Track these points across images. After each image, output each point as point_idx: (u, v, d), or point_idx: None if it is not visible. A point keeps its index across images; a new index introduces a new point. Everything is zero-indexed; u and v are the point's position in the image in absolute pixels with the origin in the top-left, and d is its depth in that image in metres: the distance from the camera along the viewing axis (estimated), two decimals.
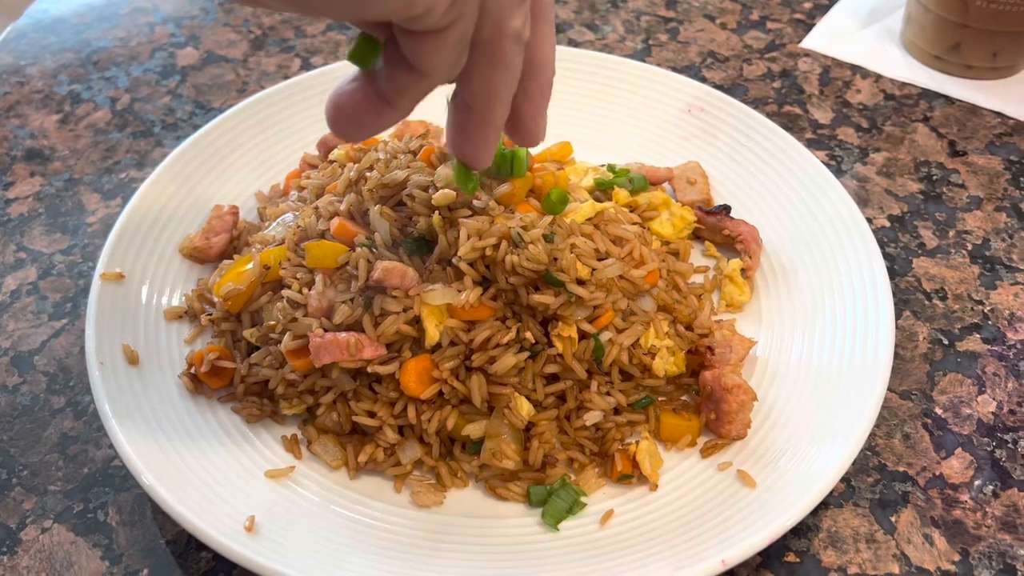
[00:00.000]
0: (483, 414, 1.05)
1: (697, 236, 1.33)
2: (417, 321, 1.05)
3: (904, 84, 1.67)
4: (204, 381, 1.11)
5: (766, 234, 1.29)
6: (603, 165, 1.36)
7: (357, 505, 1.02)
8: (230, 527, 0.95)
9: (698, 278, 1.27)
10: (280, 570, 0.89)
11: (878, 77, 1.69)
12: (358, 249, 1.09)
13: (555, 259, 1.05)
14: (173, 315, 1.19)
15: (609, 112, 1.48)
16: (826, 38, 1.78)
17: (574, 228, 1.12)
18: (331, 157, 1.28)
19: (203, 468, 1.02)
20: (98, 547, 1.04)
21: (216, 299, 1.17)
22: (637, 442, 1.05)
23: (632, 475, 1.04)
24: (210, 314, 1.17)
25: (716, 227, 1.30)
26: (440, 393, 1.05)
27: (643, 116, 1.47)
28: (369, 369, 1.04)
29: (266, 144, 1.41)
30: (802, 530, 1.05)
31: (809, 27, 1.82)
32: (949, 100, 1.64)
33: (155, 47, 1.77)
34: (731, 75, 1.70)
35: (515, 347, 1.04)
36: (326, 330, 1.05)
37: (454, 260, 1.06)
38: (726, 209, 1.31)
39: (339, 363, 1.04)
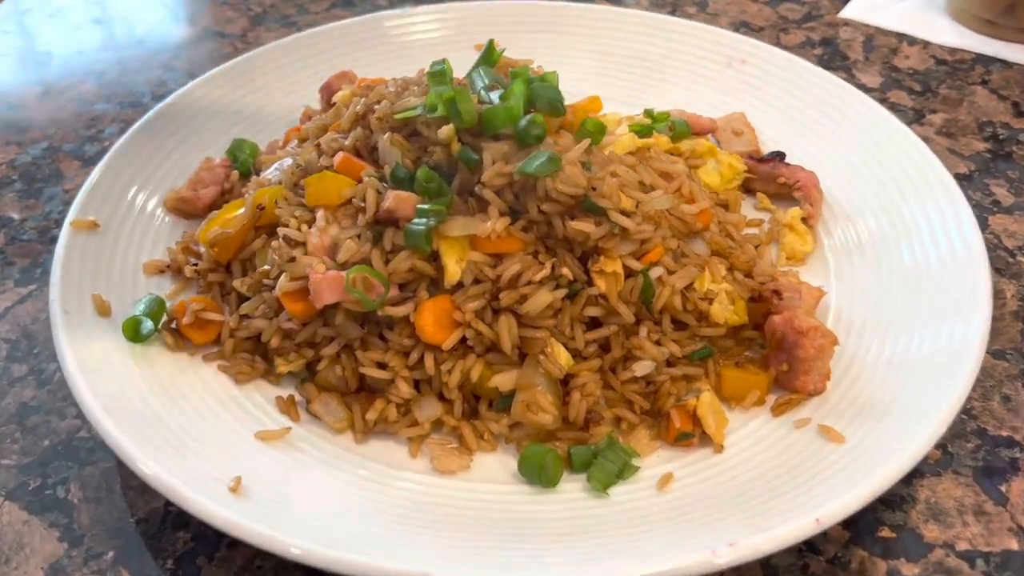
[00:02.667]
0: (514, 363, 0.89)
1: (747, 189, 1.18)
2: (435, 258, 0.90)
3: (956, 50, 1.54)
4: (187, 335, 0.96)
5: (825, 184, 1.15)
6: (637, 115, 1.22)
7: (365, 470, 0.86)
8: (211, 488, 0.78)
9: (752, 232, 1.12)
10: (268, 533, 0.72)
11: (926, 44, 1.57)
12: (366, 179, 0.94)
13: (594, 187, 0.90)
14: (154, 269, 1.04)
15: (641, 69, 1.36)
16: (867, 8, 1.66)
17: (614, 158, 0.97)
18: (334, 99, 1.14)
19: (182, 429, 0.87)
20: (55, 527, 0.88)
21: (203, 249, 1.02)
22: (697, 396, 0.89)
23: (692, 434, 0.88)
24: (195, 264, 1.02)
25: (770, 175, 1.15)
26: (463, 340, 0.90)
27: (678, 71, 1.34)
28: (380, 312, 0.88)
29: (263, 101, 1.28)
30: (895, 502, 0.88)
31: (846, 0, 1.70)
32: (1007, 64, 1.51)
33: (149, 26, 1.65)
34: (768, 43, 1.57)
35: (550, 284, 0.89)
36: (329, 269, 0.90)
37: (477, 189, 0.91)
38: (780, 155, 1.17)
39: (343, 304, 0.88)
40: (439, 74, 0.99)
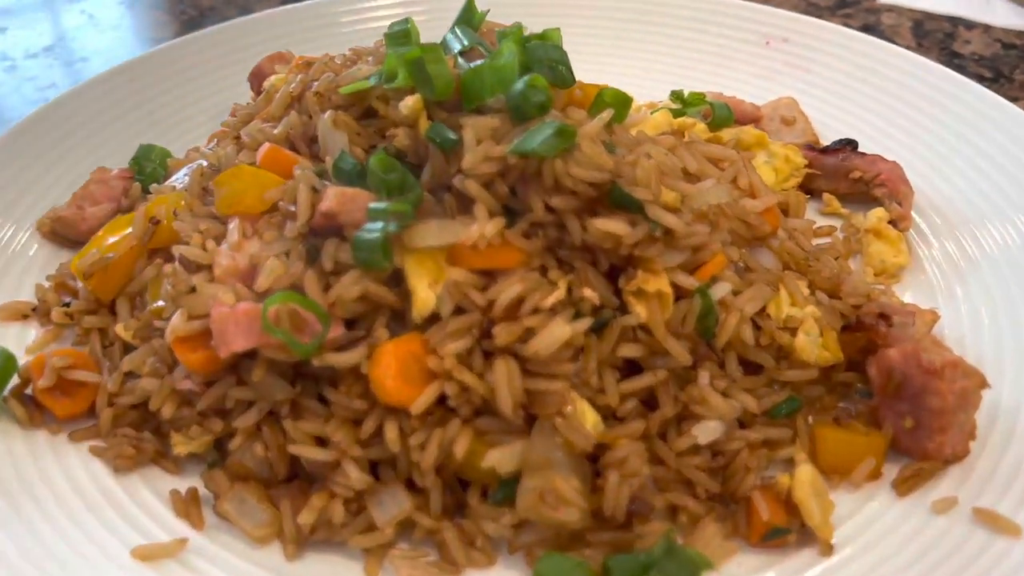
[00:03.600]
0: (517, 431, 0.63)
1: (807, 190, 0.93)
2: (398, 280, 0.63)
3: (1023, 32, 1.32)
4: (46, 405, 0.71)
5: (912, 179, 0.92)
6: (662, 101, 0.97)
7: None
8: None
9: (823, 242, 0.87)
10: None
11: (987, 27, 1.35)
12: (297, 174, 0.67)
13: (622, 175, 0.64)
14: (13, 314, 0.80)
15: (663, 51, 1.14)
16: None
17: (644, 139, 0.71)
18: (265, 86, 0.88)
19: (30, 544, 0.62)
20: None
21: (80, 285, 0.74)
22: (789, 473, 0.61)
23: (788, 530, 0.61)
24: (66, 304, 0.74)
25: (839, 170, 0.92)
26: (441, 399, 0.64)
27: (708, 53, 1.13)
28: (317, 362, 0.60)
29: (184, 100, 1.05)
30: None
31: None
32: None
33: (61, 32, 1.40)
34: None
35: (566, 313, 0.62)
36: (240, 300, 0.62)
37: (456, 181, 0.64)
38: (851, 144, 0.93)
39: (263, 353, 0.60)
40: (401, 35, 0.73)
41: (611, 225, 0.64)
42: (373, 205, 0.64)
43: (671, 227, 0.65)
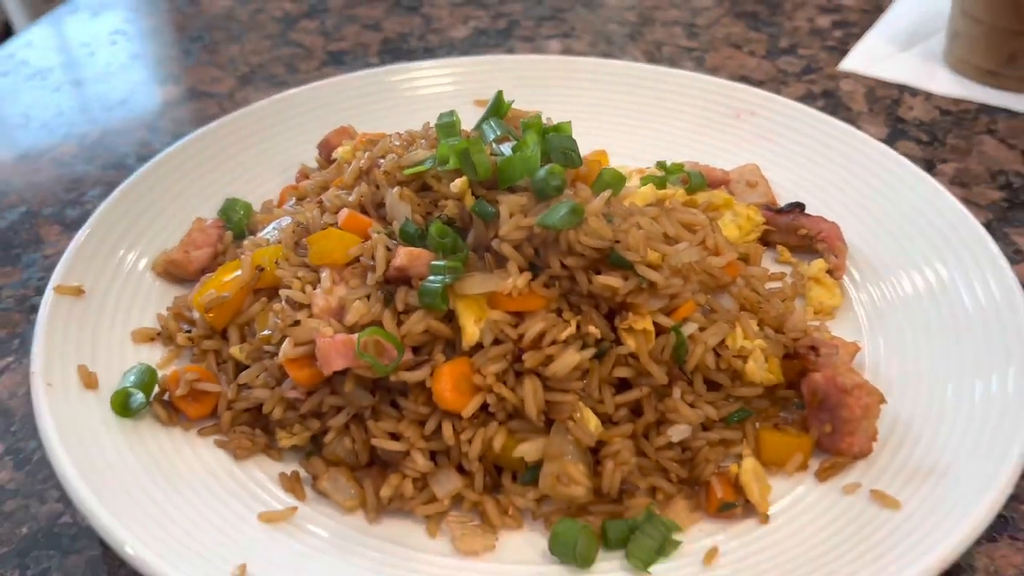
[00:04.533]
0: (540, 431, 0.83)
1: (765, 242, 1.13)
2: (451, 318, 0.84)
3: (959, 100, 1.53)
4: (181, 408, 0.89)
5: (847, 235, 1.11)
6: (648, 167, 1.18)
7: (379, 552, 0.78)
8: None
9: (775, 286, 1.06)
10: None
11: (928, 95, 1.55)
12: (374, 236, 0.88)
13: (619, 241, 0.85)
14: (143, 337, 0.97)
15: (646, 122, 1.32)
16: (866, 60, 1.65)
17: (634, 209, 0.92)
18: (334, 156, 1.09)
19: (180, 513, 0.79)
20: None
21: (196, 315, 0.95)
22: (738, 463, 0.82)
23: (735, 504, 0.81)
24: (188, 331, 0.95)
25: (790, 227, 1.11)
26: (484, 407, 0.83)
27: (686, 123, 1.31)
28: (393, 378, 0.82)
29: (255, 160, 1.23)
30: (952, 571, 0.81)
31: (843, 53, 1.68)
32: (1012, 114, 1.49)
33: (131, 86, 1.60)
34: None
35: (576, 344, 0.83)
36: (337, 332, 0.83)
37: (494, 244, 0.85)
38: (799, 206, 1.12)
39: (353, 371, 0.82)
40: (448, 125, 0.95)
41: (609, 280, 0.83)
42: (434, 263, 0.84)
43: (654, 281, 0.84)
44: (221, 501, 0.82)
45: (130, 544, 0.72)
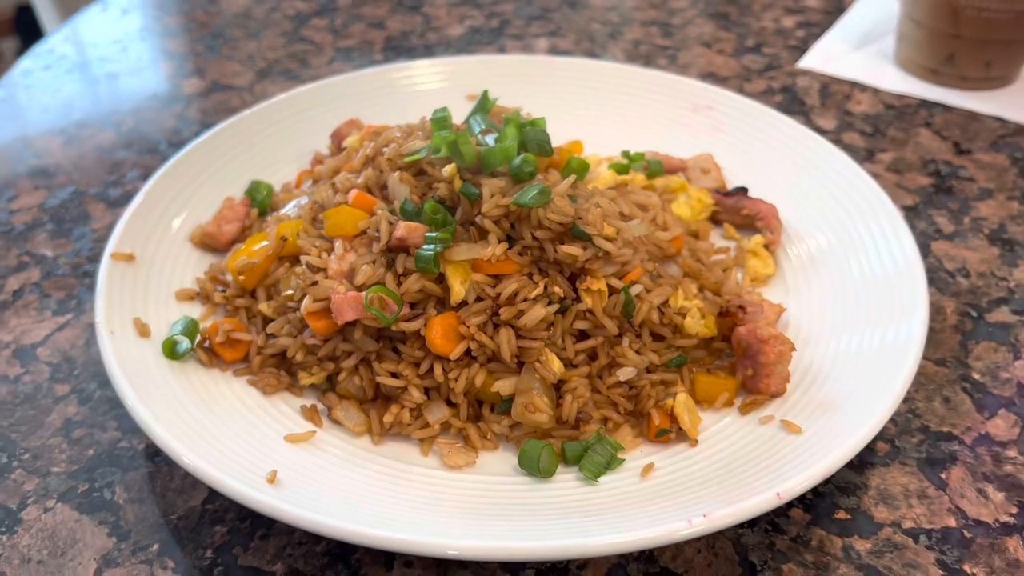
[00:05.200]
0: (513, 371, 1.01)
1: (714, 221, 1.31)
2: (442, 279, 1.02)
3: (903, 96, 1.70)
4: (219, 354, 1.07)
5: (784, 214, 1.29)
6: (616, 155, 1.36)
7: (382, 466, 0.97)
8: (251, 480, 0.89)
9: (720, 258, 1.25)
10: (306, 515, 0.83)
11: (876, 91, 1.72)
12: (379, 212, 1.06)
13: (580, 217, 1.03)
14: (185, 296, 1.15)
15: (617, 115, 1.50)
16: (822, 58, 1.82)
17: (596, 192, 1.10)
18: (344, 144, 1.27)
19: (221, 432, 0.97)
20: (104, 524, 0.98)
21: (229, 278, 1.13)
22: (673, 397, 1.01)
23: (670, 430, 0.99)
24: (223, 291, 1.14)
25: (735, 208, 1.28)
26: (468, 351, 1.01)
27: (651, 117, 1.48)
28: (394, 327, 1.00)
29: (275, 147, 1.40)
30: (850, 488, 1.00)
31: (804, 51, 1.86)
32: (948, 108, 1.66)
33: (160, 78, 1.78)
34: (732, 91, 1.72)
35: (543, 301, 1.01)
36: (347, 291, 1.02)
37: (477, 219, 1.03)
38: (743, 190, 1.30)
39: (362, 321, 1.00)
40: (441, 120, 1.12)
41: (571, 249, 0.99)
42: (428, 235, 1.02)
43: (608, 250, 1.01)
44: (253, 426, 1.00)
45: (187, 456, 0.90)
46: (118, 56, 1.86)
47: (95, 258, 1.33)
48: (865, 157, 1.54)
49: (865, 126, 1.62)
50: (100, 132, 1.62)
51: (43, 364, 1.16)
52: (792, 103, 1.69)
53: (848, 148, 1.56)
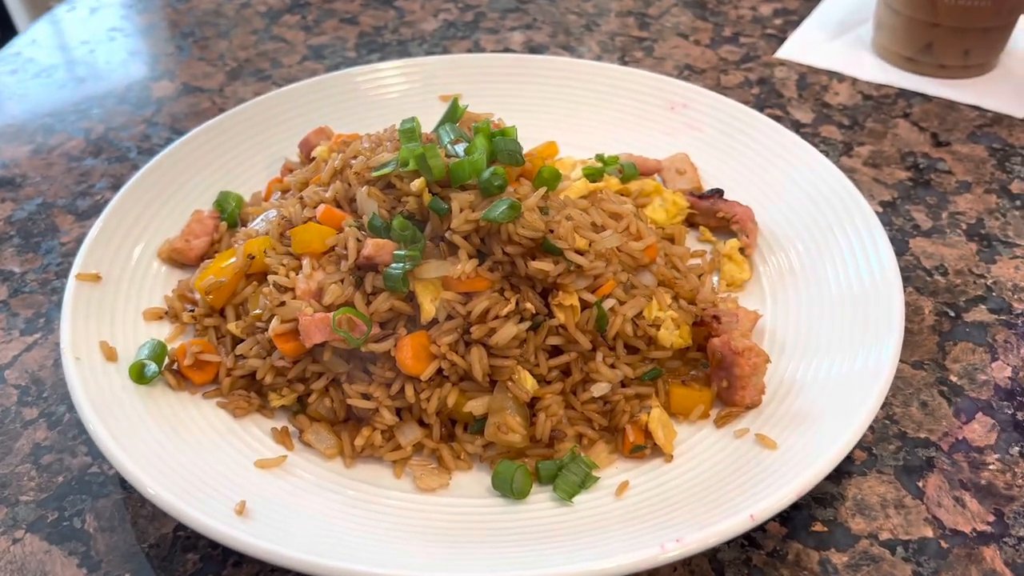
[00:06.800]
0: (485, 389, 1.00)
1: (691, 223, 1.30)
2: (411, 298, 1.01)
3: (881, 86, 1.68)
4: (187, 376, 1.06)
5: (760, 216, 1.27)
6: (591, 158, 1.34)
7: (354, 491, 0.96)
8: (219, 512, 0.88)
9: (696, 262, 1.23)
10: (273, 549, 0.82)
11: (854, 81, 1.71)
12: (347, 229, 1.05)
13: (551, 230, 1.01)
14: (153, 316, 1.14)
15: (592, 114, 1.48)
16: (800, 48, 1.80)
17: (568, 203, 1.08)
18: (313, 154, 1.25)
19: (189, 460, 0.96)
20: (74, 555, 0.97)
21: (198, 296, 1.12)
22: (648, 412, 1.00)
23: (645, 447, 0.99)
24: (191, 311, 1.12)
25: (710, 211, 1.27)
26: (439, 371, 1.00)
27: (626, 115, 1.47)
28: (364, 348, 0.99)
29: (244, 155, 1.38)
30: (827, 499, 1.00)
31: (781, 40, 1.84)
32: (926, 98, 1.65)
33: (130, 82, 1.75)
34: (709, 84, 1.70)
35: (515, 318, 1.00)
36: (315, 312, 1.00)
37: (447, 235, 1.02)
38: (719, 192, 1.29)
39: (331, 343, 0.99)
40: (409, 131, 1.10)
41: (542, 265, 0.98)
42: (396, 252, 1.00)
43: (580, 264, 0.99)
44: (223, 451, 0.99)
45: (151, 487, 0.89)
46: (86, 58, 1.83)
47: (64, 273, 1.31)
48: (843, 151, 1.53)
49: (843, 118, 1.61)
50: (69, 140, 1.59)
51: (11, 387, 1.14)
52: (769, 95, 1.67)
53: (826, 142, 1.54)
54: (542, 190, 1.04)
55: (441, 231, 1.03)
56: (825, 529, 0.97)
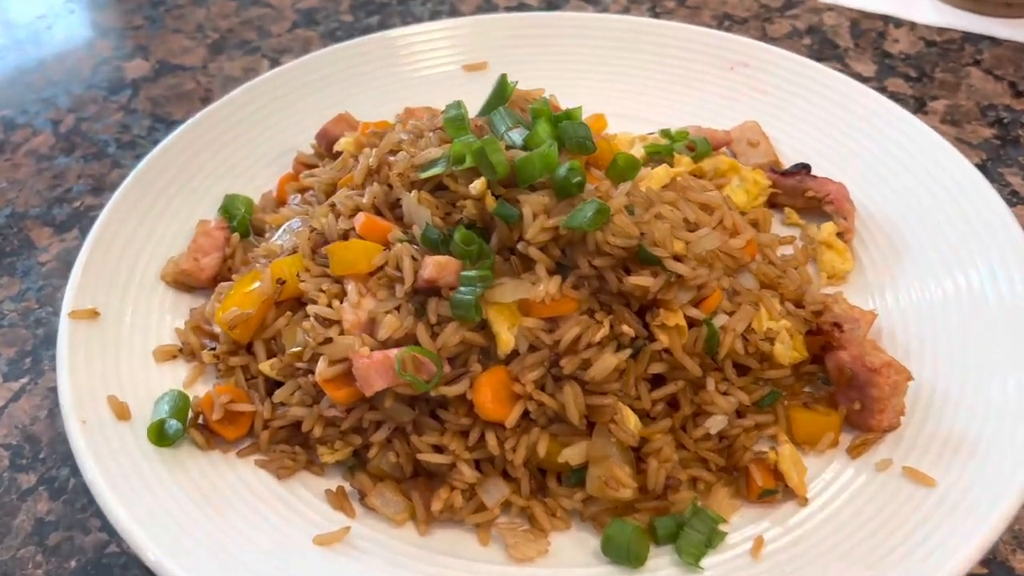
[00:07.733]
0: (582, 434, 0.84)
1: (772, 204, 1.13)
2: (483, 326, 0.83)
3: (943, 29, 1.52)
4: (218, 432, 0.89)
5: (855, 195, 1.11)
6: (651, 132, 1.17)
7: (435, 566, 0.79)
8: None
9: (786, 251, 1.07)
10: None
11: (913, 25, 1.54)
12: (397, 245, 0.87)
13: (642, 233, 0.84)
14: (165, 355, 0.96)
15: (641, 80, 1.29)
16: None
17: (653, 197, 0.91)
18: (337, 148, 1.06)
19: (230, 540, 0.80)
20: None
21: (218, 330, 0.93)
22: (774, 448, 0.84)
23: (776, 490, 0.83)
24: (212, 348, 0.94)
25: (797, 189, 1.11)
26: (525, 414, 0.83)
27: (679, 79, 1.28)
28: (432, 392, 0.82)
29: (247, 148, 1.19)
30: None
31: None
32: (995, 41, 1.49)
33: (97, 61, 1.53)
34: (755, 36, 1.52)
35: (612, 345, 0.83)
36: (372, 349, 0.83)
37: (519, 247, 0.84)
38: (806, 168, 1.12)
39: (395, 388, 0.82)
40: (457, 119, 0.92)
41: (641, 280, 0.82)
42: (464, 273, 0.83)
43: (682, 274, 0.84)
44: (271, 524, 0.82)
45: None
46: (43, 36, 1.61)
47: (48, 300, 1.12)
48: (916, 107, 1.37)
49: (908, 69, 1.44)
50: (34, 135, 1.38)
51: (0, 448, 0.96)
52: (824, 46, 1.50)
53: (895, 97, 1.38)
54: (626, 186, 0.87)
55: (511, 241, 0.86)
56: (984, 570, 0.83)
